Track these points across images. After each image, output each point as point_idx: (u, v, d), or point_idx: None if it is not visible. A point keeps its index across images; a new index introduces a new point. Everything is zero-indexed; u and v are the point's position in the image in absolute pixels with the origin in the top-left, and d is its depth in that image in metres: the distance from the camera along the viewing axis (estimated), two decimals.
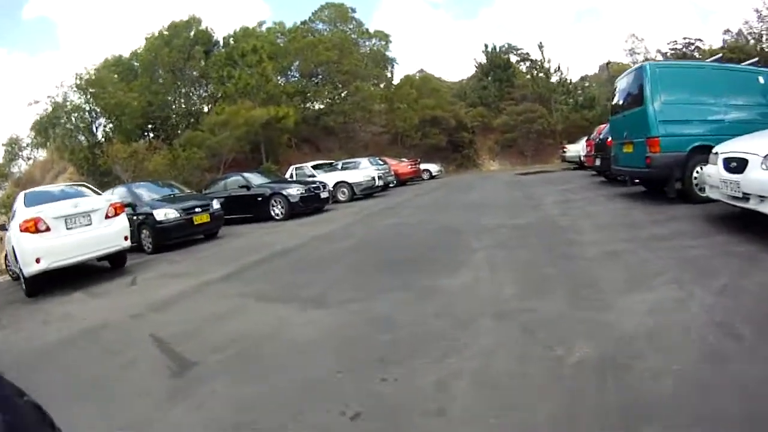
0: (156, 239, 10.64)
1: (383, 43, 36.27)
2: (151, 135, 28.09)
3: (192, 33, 29.01)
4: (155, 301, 5.72)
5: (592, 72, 45.99)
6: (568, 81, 39.72)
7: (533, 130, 36.15)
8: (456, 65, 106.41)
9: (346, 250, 7.14)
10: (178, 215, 10.70)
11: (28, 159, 30.44)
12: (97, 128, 23.41)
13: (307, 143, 32.60)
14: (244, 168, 24.24)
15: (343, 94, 32.13)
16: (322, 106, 33.13)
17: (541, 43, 45.62)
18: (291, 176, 17.90)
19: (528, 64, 43.75)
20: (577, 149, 20.22)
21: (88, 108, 23.08)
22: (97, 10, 66.94)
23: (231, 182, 14.78)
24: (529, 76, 41.83)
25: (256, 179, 14.47)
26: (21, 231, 7.38)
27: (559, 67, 40.29)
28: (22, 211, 7.76)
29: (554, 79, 39.60)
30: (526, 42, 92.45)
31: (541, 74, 39.56)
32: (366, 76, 32.38)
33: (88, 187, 9.58)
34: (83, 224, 7.86)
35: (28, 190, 9.28)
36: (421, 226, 8.58)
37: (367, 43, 36.02)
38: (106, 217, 8.21)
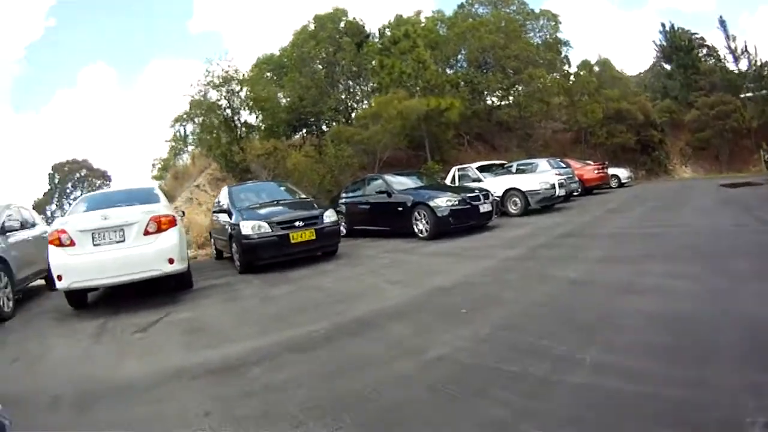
0: (243, 257, 8.58)
1: (552, 23, 30.29)
2: (304, 132, 25.68)
3: (342, 25, 26.17)
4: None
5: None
6: (759, 64, 31.83)
7: (727, 127, 29.20)
8: (630, 57, 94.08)
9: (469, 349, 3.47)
10: (270, 230, 8.26)
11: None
12: (236, 125, 20.75)
13: (481, 140, 28.12)
14: (405, 167, 20.89)
15: (515, 84, 27.00)
16: (494, 99, 28.56)
17: (722, 17, 35.77)
18: (453, 179, 14.43)
19: (706, 50, 36.30)
20: None
21: (225, 104, 20.52)
22: (255, 18, 68.73)
23: (371, 186, 11.73)
24: (713, 60, 34.53)
25: (402, 183, 11.27)
26: (50, 242, 6.45)
27: (746, 48, 32.57)
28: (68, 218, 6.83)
29: (743, 64, 32.21)
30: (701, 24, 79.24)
31: (728, 56, 32.38)
32: (538, 61, 26.95)
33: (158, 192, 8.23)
34: (114, 241, 6.37)
35: (93, 193, 8.43)
36: (633, 290, 4.48)
37: (534, 26, 30.34)
38: (145, 233, 6.44)
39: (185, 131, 22.39)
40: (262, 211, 8.75)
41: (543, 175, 13.60)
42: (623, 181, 22.00)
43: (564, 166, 16.86)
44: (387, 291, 5.51)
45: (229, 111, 20.87)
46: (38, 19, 77.80)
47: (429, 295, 5.02)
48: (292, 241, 8.12)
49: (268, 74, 26.71)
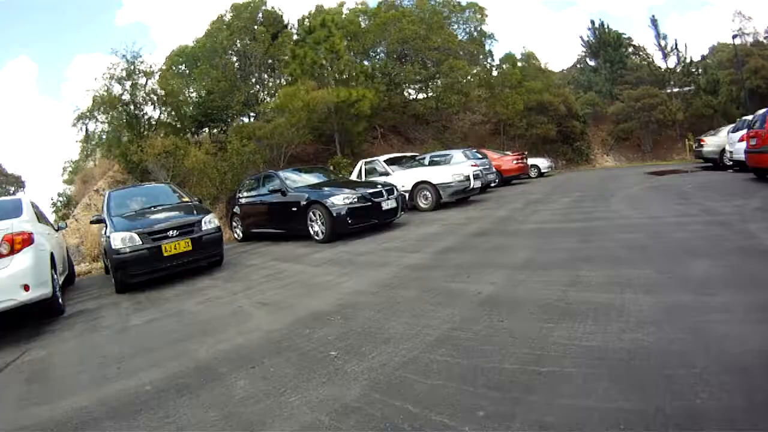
0: (114, 275, 7.32)
1: (479, 16, 30.06)
2: (208, 129, 24.16)
3: (260, 15, 24.98)
4: None
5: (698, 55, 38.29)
6: (688, 61, 33.29)
7: (652, 119, 29.95)
8: (555, 54, 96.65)
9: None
10: (140, 242, 7.07)
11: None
12: (138, 121, 19.14)
13: (395, 133, 27.42)
14: (313, 162, 19.76)
15: (434, 75, 26.24)
16: (411, 91, 27.71)
17: (654, 16, 38.47)
18: (359, 174, 13.43)
19: (632, 49, 37.99)
20: (718, 142, 15.37)
21: (128, 98, 18.82)
22: (184, 8, 65.46)
23: (267, 184, 10.63)
24: (640, 58, 36.14)
25: (299, 180, 10.24)
26: None
27: (676, 45, 34.15)
28: None
29: (671, 60, 33.83)
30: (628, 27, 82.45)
31: (657, 53, 33.81)
32: (460, 54, 26.43)
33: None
34: None
35: None
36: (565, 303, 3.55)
37: (459, 18, 29.95)
38: None
39: (87, 130, 20.30)
40: (136, 221, 7.54)
41: (456, 167, 12.83)
42: (543, 170, 21.75)
43: (480, 156, 16.25)
44: (252, 318, 4.40)
45: (131, 107, 19.12)
46: None
47: (299, 326, 3.92)
48: (165, 254, 6.99)
49: (182, 67, 25.38)
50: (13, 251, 5.39)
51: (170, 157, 17.07)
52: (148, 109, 19.91)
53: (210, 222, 7.56)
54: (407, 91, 27.46)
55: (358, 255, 6.92)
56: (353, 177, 13.58)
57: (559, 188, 14.20)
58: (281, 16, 25.66)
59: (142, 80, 19.24)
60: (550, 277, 4.22)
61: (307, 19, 24.87)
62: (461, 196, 11.74)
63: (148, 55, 43.87)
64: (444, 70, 24.40)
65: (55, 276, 6.60)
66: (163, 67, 22.94)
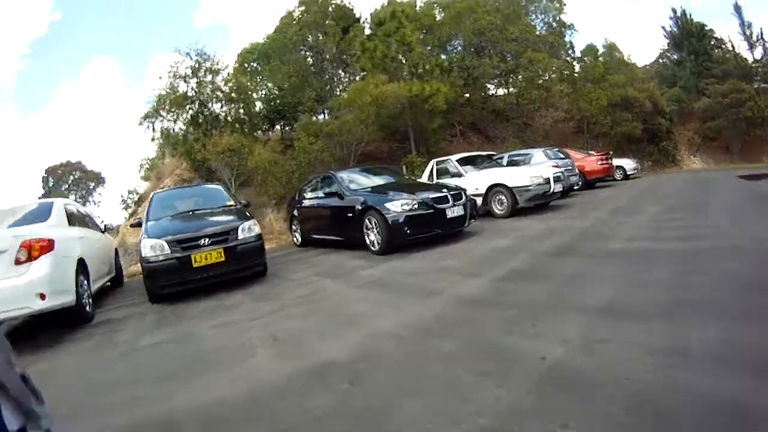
0: (145, 284, 6.70)
1: (557, 5, 28.20)
2: (281, 125, 23.70)
3: (331, 9, 24.09)
4: None
5: None
6: None
7: (741, 116, 27.04)
8: (636, 48, 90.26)
9: None
10: (169, 251, 6.39)
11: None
12: (203, 119, 18.82)
13: (474, 131, 25.78)
14: (386, 161, 18.79)
15: (513, 69, 24.41)
16: (491, 86, 26.11)
17: (737, 3, 33.93)
18: (431, 175, 12.27)
19: (714, 41, 34.36)
20: None
21: (193, 96, 18.63)
22: (261, 8, 66.38)
23: (325, 186, 9.64)
24: (725, 50, 32.65)
25: (361, 182, 9.14)
26: None
27: (761, 35, 31.18)
28: None
29: (757, 52, 30.92)
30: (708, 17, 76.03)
31: (742, 44, 30.83)
32: (539, 46, 24.71)
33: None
34: None
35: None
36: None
37: (537, 7, 28.27)
38: (17, 262, 5.07)
39: (153, 128, 19.62)
40: (170, 226, 6.88)
41: (535, 168, 11.46)
42: (629, 172, 19.56)
43: (563, 156, 14.78)
44: (253, 359, 3.48)
45: (196, 104, 18.78)
46: (43, 14, 76.28)
47: (296, 381, 2.90)
48: (195, 265, 6.24)
49: (254, 64, 25.00)
50: (30, 258, 5.11)
51: (234, 155, 16.64)
52: (216, 107, 19.48)
53: (249, 230, 6.69)
54: (487, 86, 25.86)
55: (408, 275, 5.85)
56: (424, 178, 12.47)
57: (647, 194, 12.43)
58: (352, 9, 24.73)
59: (208, 78, 18.87)
60: (644, 334, 2.80)
61: (379, 13, 23.64)
62: (540, 201, 10.30)
63: (222, 53, 44.64)
64: (523, 63, 22.71)
65: (86, 282, 6.19)
66: (235, 65, 22.78)
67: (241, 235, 6.58)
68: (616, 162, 18.45)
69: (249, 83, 23.11)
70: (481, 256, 6.27)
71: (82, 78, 71.01)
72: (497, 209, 10.28)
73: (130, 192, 26.46)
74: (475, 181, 10.71)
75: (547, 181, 10.10)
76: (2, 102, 65.60)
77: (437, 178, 11.98)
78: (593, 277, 4.38)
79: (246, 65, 24.67)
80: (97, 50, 70.70)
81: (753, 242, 4.91)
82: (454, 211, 7.78)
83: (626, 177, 19.27)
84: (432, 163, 12.66)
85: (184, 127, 19.04)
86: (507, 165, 13.82)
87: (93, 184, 47.14)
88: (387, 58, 18.27)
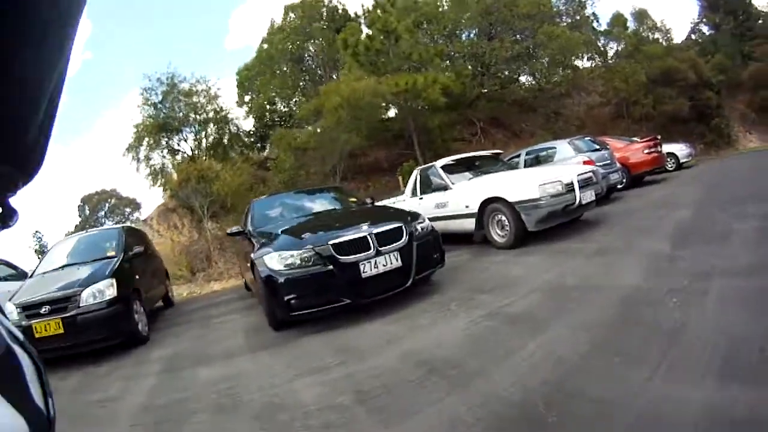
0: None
1: None
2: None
3: (323, 11, 21.26)
4: None
5: None
6: None
7: None
8: (671, 12, 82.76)
9: None
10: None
11: None
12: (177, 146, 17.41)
13: (498, 127, 21.46)
14: (383, 172, 15.37)
15: (530, 48, 19.80)
16: (507, 72, 21.45)
17: None
18: (414, 188, 8.81)
19: None
20: None
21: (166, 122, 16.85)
22: None
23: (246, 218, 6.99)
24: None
25: (287, 211, 6.62)
26: None
27: None
28: None
29: None
30: None
31: None
32: (556, 20, 20.44)
33: None
34: None
35: None
36: None
37: None
38: None
39: (139, 159, 17.52)
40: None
41: (549, 171, 7.30)
42: (682, 160, 15.01)
43: (597, 147, 10.75)
44: None
45: (170, 132, 16.98)
46: (76, 53, 77.94)
47: None
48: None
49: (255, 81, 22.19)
50: None
51: (202, 182, 13.69)
52: (188, 133, 17.58)
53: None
54: (502, 74, 21.12)
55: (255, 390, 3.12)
56: (406, 193, 9.00)
57: (716, 192, 8.27)
58: (346, 10, 21.71)
59: (180, 103, 16.91)
60: None
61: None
62: (562, 220, 6.39)
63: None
64: (541, 41, 18.43)
65: None
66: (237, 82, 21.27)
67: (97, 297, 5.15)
68: (665, 148, 13.81)
69: (243, 101, 21.31)
70: (404, 372, 2.78)
71: (121, 107, 70.99)
72: (496, 236, 6.56)
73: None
74: (464, 195, 7.14)
75: (569, 188, 6.19)
76: None
77: (421, 193, 8.44)
78: None
79: (245, 83, 21.84)
80: (130, 84, 69.93)
81: None
82: (377, 266, 4.39)
83: (679, 166, 14.81)
84: (416, 172, 9.02)
85: (163, 156, 17.16)
86: (526, 165, 10.17)
87: (129, 210, 45.79)
88: (370, 52, 14.65)
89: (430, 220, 8.25)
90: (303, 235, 4.76)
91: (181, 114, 16.93)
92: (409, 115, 14.79)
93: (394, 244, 4.64)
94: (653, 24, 24.29)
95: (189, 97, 17.10)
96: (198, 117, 17.13)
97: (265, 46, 21.17)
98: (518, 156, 11.39)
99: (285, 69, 20.24)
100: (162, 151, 17.18)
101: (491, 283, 4.73)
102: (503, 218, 6.35)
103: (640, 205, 8.26)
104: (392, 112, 17.10)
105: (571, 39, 18.35)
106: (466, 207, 7.00)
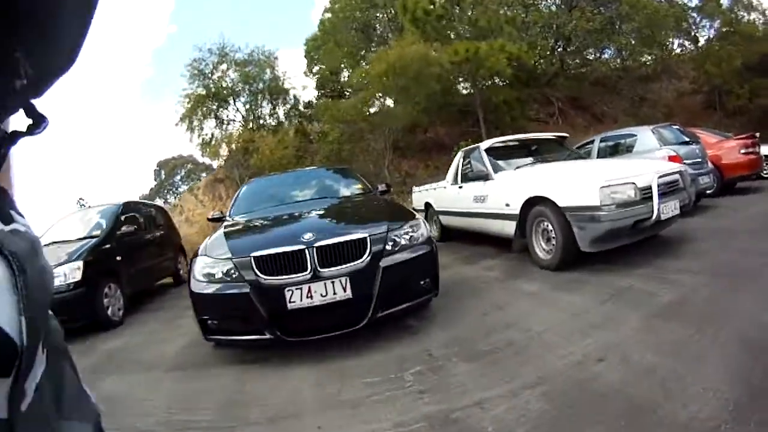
0: None
1: None
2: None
3: None
4: None
5: None
6: None
7: None
8: None
9: None
10: None
11: None
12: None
13: (577, 108, 18.75)
14: (445, 151, 13.86)
15: (613, 21, 16.97)
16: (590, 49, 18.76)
17: None
18: (456, 175, 7.20)
19: None
20: None
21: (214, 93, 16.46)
22: None
23: None
24: None
25: (273, 202, 5.30)
26: None
27: None
28: None
29: None
30: None
31: None
32: None
33: None
34: None
35: None
36: None
37: None
38: None
39: (193, 129, 17.40)
40: None
41: (620, 167, 5.16)
42: None
43: (687, 139, 8.37)
44: None
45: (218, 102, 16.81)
46: (162, 26, 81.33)
47: None
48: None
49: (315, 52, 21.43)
50: None
51: (241, 154, 12.88)
52: (239, 105, 17.42)
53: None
54: (585, 49, 18.35)
55: None
56: (447, 179, 7.48)
57: None
58: None
59: (234, 74, 16.81)
60: None
61: None
62: (628, 240, 4.49)
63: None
64: (625, 11, 15.64)
65: None
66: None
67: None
68: (762, 150, 10.94)
69: (312, 71, 20.53)
70: None
71: None
72: (539, 250, 4.87)
73: None
74: (505, 190, 5.47)
75: (645, 194, 4.30)
76: (128, 104, 72.35)
77: (462, 181, 6.81)
78: None
79: (312, 53, 20.79)
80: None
81: None
82: (311, 295, 3.21)
83: None
84: (459, 154, 7.38)
85: (214, 127, 16.93)
86: (600, 156, 8.33)
87: (205, 175, 46.99)
88: (431, 17, 12.75)
89: (468, 216, 6.57)
90: (242, 237, 3.66)
91: (230, 84, 16.58)
92: (472, 87, 12.90)
93: (345, 266, 3.19)
94: (749, 2, 20.38)
95: (243, 67, 16.61)
96: (250, 88, 16.58)
97: (329, 15, 19.82)
98: (591, 142, 9.28)
99: (351, 38, 18.66)
100: (212, 121, 16.96)
101: (496, 338, 3.07)
102: (549, 226, 4.64)
103: (736, 224, 5.96)
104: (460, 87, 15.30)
105: (658, 10, 15.45)
106: (507, 205, 5.34)
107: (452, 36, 12.85)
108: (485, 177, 6.01)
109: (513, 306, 3.73)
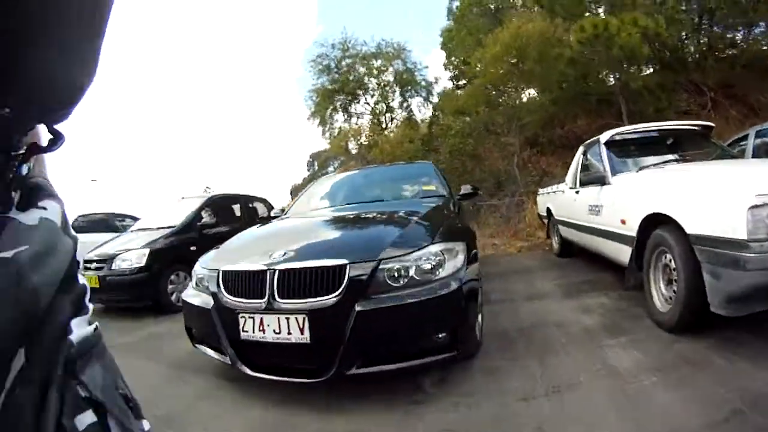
0: None
1: None
2: None
3: None
4: None
5: None
6: None
7: None
8: None
9: None
10: None
11: None
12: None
13: (732, 99, 14.32)
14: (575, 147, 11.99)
15: None
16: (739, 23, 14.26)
17: None
18: (576, 173, 5.78)
19: None
20: None
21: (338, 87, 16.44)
22: None
23: None
24: None
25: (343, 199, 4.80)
26: None
27: None
28: None
29: None
30: None
31: None
32: None
33: None
34: None
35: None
36: None
37: None
38: None
39: (325, 123, 17.95)
40: None
41: None
42: None
43: None
44: None
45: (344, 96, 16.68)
46: (310, 27, 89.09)
47: None
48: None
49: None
50: None
51: (366, 149, 12.67)
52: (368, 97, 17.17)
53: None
54: (737, 25, 13.75)
55: None
56: (566, 182, 6.12)
57: None
58: None
59: (361, 69, 16.55)
60: None
61: None
62: None
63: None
64: None
65: None
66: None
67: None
68: None
69: (451, 62, 19.03)
70: None
71: None
72: (656, 294, 3.25)
73: None
74: (621, 200, 3.98)
75: None
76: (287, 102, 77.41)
77: (579, 185, 5.35)
78: None
79: (448, 44, 19.51)
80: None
81: None
82: (263, 328, 2.46)
83: None
84: (580, 150, 5.92)
85: (344, 121, 17.16)
86: (756, 155, 5.69)
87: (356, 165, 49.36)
88: None
89: (582, 231, 5.12)
90: (234, 246, 3.36)
91: (355, 78, 16.39)
92: (605, 70, 10.71)
93: (306, 301, 2.32)
94: None
95: (368, 60, 16.41)
96: (377, 81, 16.55)
97: (456, 3, 18.53)
98: (745, 138, 6.34)
99: (481, 24, 16.78)
100: (341, 116, 17.15)
101: None
102: (670, 264, 3.05)
103: None
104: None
105: None
106: (622, 222, 3.81)
107: (584, 13, 10.70)
108: (602, 180, 4.51)
109: (578, 392, 2.28)
